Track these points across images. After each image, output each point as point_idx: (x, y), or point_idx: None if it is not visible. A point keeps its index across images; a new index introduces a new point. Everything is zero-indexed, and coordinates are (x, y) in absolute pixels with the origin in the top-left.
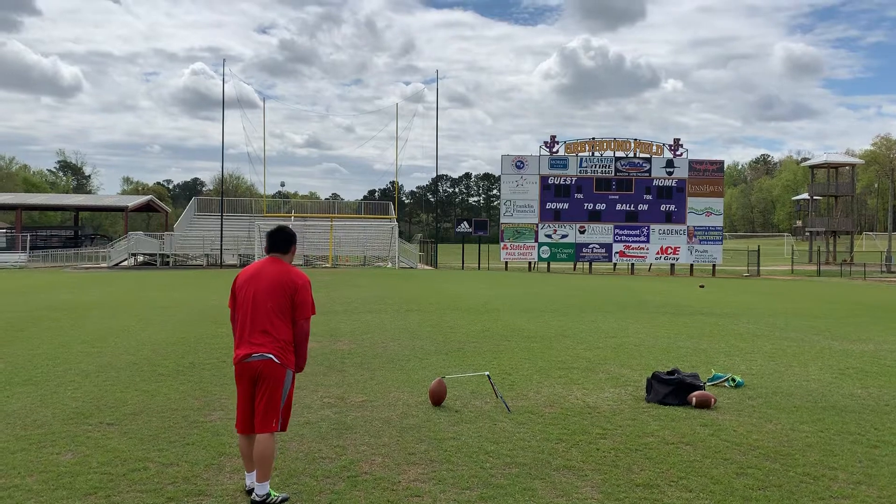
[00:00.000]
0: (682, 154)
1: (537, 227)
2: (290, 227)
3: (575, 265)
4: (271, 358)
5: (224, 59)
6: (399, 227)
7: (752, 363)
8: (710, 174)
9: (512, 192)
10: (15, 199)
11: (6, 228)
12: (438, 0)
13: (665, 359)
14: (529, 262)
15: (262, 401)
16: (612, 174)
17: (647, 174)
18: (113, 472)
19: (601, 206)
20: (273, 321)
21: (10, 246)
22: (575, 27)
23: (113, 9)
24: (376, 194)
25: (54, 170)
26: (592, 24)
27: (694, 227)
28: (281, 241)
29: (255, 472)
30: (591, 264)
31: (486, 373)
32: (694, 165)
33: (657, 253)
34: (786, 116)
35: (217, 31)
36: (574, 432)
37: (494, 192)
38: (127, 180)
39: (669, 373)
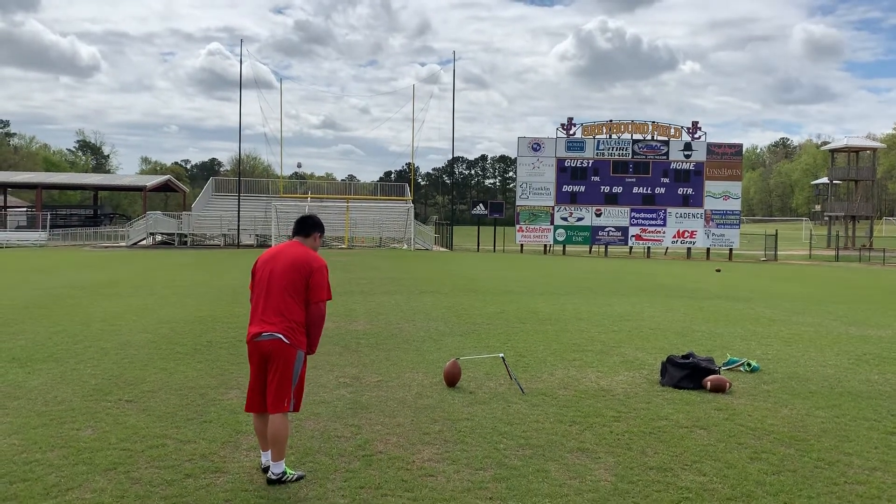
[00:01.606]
0: (700, 137)
1: (553, 209)
2: (315, 215)
3: (591, 248)
4: (280, 338)
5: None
6: (415, 208)
7: (768, 348)
8: (728, 157)
9: (528, 174)
10: (35, 178)
11: (27, 207)
12: None
13: (680, 342)
14: (545, 245)
15: (274, 381)
16: (630, 157)
17: (665, 157)
18: (132, 448)
19: (618, 189)
20: (286, 301)
21: (31, 224)
22: (591, 8)
23: None
24: (392, 176)
25: (74, 149)
26: (609, 5)
27: (711, 210)
28: (305, 226)
29: (269, 450)
30: (606, 247)
31: (501, 354)
32: (712, 149)
33: (674, 236)
34: (805, 99)
35: (232, 12)
36: (588, 415)
37: (510, 174)
38: (145, 160)
39: (684, 356)
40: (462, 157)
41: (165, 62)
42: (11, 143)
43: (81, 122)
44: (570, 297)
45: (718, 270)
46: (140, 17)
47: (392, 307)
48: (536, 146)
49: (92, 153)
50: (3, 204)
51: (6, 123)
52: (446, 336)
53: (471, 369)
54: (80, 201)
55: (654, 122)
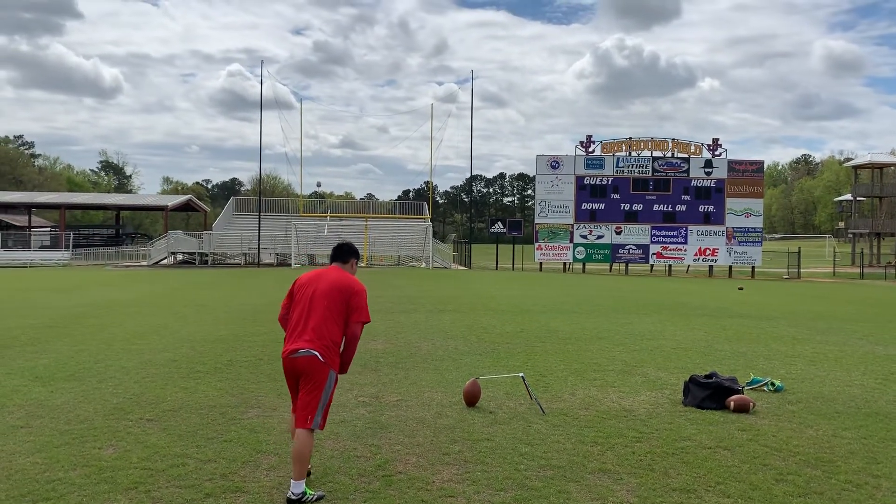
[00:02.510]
0: (720, 154)
1: (572, 227)
2: (351, 242)
3: (611, 266)
4: (316, 355)
5: (262, 61)
6: (433, 227)
7: (793, 367)
8: (749, 174)
9: (547, 192)
10: (59, 198)
11: (50, 227)
12: (470, 1)
13: (703, 362)
14: (564, 263)
15: (304, 397)
16: (650, 174)
17: (686, 174)
18: (153, 467)
19: (638, 207)
20: (326, 321)
21: (54, 244)
22: (609, 26)
23: (150, 11)
24: (410, 194)
25: (97, 170)
26: (626, 22)
27: (733, 228)
28: (342, 252)
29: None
30: (627, 265)
31: (521, 374)
32: (733, 166)
33: (695, 254)
34: (827, 115)
35: (252, 33)
36: (609, 435)
37: (529, 192)
38: (167, 180)
39: (707, 376)
40: (480, 175)
41: (186, 83)
42: (36, 163)
43: (104, 143)
44: (591, 315)
45: (741, 288)
46: (161, 39)
47: (411, 326)
48: (555, 164)
49: (114, 173)
50: (27, 224)
51: (31, 145)
52: (465, 355)
53: (491, 389)
54: (102, 221)
55: (674, 139)
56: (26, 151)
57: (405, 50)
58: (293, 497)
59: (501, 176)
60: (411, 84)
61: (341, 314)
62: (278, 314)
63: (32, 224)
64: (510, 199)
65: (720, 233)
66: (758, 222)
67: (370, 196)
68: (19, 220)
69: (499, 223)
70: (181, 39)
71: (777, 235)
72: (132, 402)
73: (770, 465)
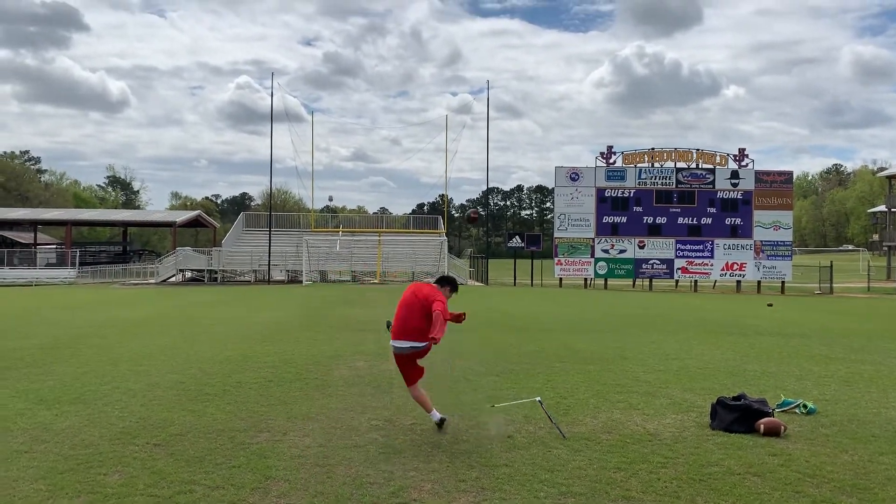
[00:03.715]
0: (747, 165)
1: (593, 241)
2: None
3: (634, 282)
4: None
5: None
6: (448, 241)
7: (826, 388)
8: (777, 186)
9: (566, 205)
10: (65, 214)
11: (56, 244)
12: (484, 8)
13: (731, 382)
14: (585, 279)
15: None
16: (674, 186)
17: (711, 186)
18: (160, 494)
19: (662, 220)
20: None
21: (60, 262)
22: (628, 33)
23: (157, 23)
24: (425, 208)
25: (104, 185)
26: (646, 29)
27: (761, 241)
28: (442, 280)
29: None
30: (651, 281)
31: (538, 398)
32: (760, 176)
33: (722, 269)
34: (857, 123)
35: (261, 44)
36: (633, 461)
37: (548, 204)
38: (175, 195)
39: (735, 398)
40: (497, 188)
41: (194, 96)
42: (42, 179)
43: (111, 158)
44: (613, 333)
45: (770, 305)
46: (168, 52)
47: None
48: (575, 176)
49: (122, 189)
50: (33, 241)
51: (37, 160)
52: (482, 376)
53: (508, 413)
54: (109, 238)
55: (698, 149)
56: (32, 167)
57: (418, 60)
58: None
59: (519, 188)
60: (424, 95)
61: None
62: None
63: (38, 241)
64: (528, 212)
65: (748, 246)
66: (787, 235)
67: (383, 210)
68: (25, 237)
69: (517, 237)
70: (189, 52)
71: (808, 249)
72: (138, 425)
73: (803, 493)
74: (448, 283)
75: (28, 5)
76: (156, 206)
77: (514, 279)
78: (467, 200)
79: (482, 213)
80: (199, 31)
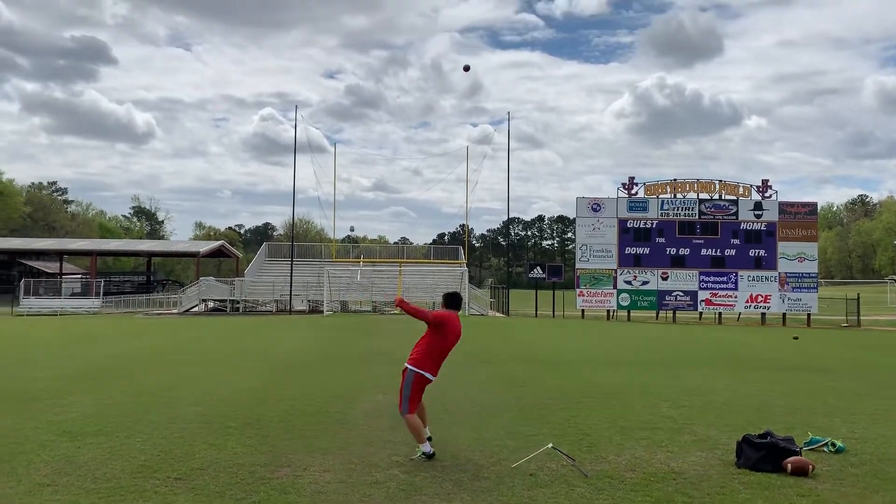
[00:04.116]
0: (770, 196)
1: (616, 272)
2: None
3: (657, 314)
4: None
5: (296, 105)
6: (469, 271)
7: (855, 426)
8: (801, 217)
9: (588, 235)
10: (90, 245)
11: (82, 274)
12: (505, 41)
13: (757, 419)
14: (608, 311)
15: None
16: (696, 217)
17: (734, 217)
18: None
19: (685, 251)
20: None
21: (85, 291)
22: (648, 65)
23: (183, 56)
24: (445, 238)
25: (129, 215)
26: (667, 60)
27: (786, 273)
28: (460, 302)
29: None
30: (674, 313)
31: (549, 445)
32: (784, 208)
33: (746, 301)
34: (882, 154)
35: (284, 78)
36: (657, 500)
37: (569, 235)
38: (199, 225)
39: (762, 435)
40: (517, 218)
41: (218, 128)
42: (69, 210)
43: (136, 188)
44: (637, 367)
45: (796, 338)
46: (194, 84)
47: (445, 378)
48: (596, 206)
49: (146, 219)
50: (59, 271)
51: (64, 191)
52: (503, 411)
53: (530, 450)
54: (133, 268)
55: (721, 180)
56: (59, 197)
57: (438, 91)
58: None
59: (540, 218)
60: (445, 126)
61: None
62: (426, 317)
63: (63, 271)
64: (549, 242)
65: (772, 278)
66: (812, 267)
67: (404, 240)
68: (51, 266)
69: (538, 268)
70: (213, 84)
71: (834, 280)
72: (160, 459)
73: None
74: (444, 297)
75: (58, 39)
76: (180, 236)
77: (536, 310)
78: (488, 231)
79: (468, 67)
80: (223, 64)
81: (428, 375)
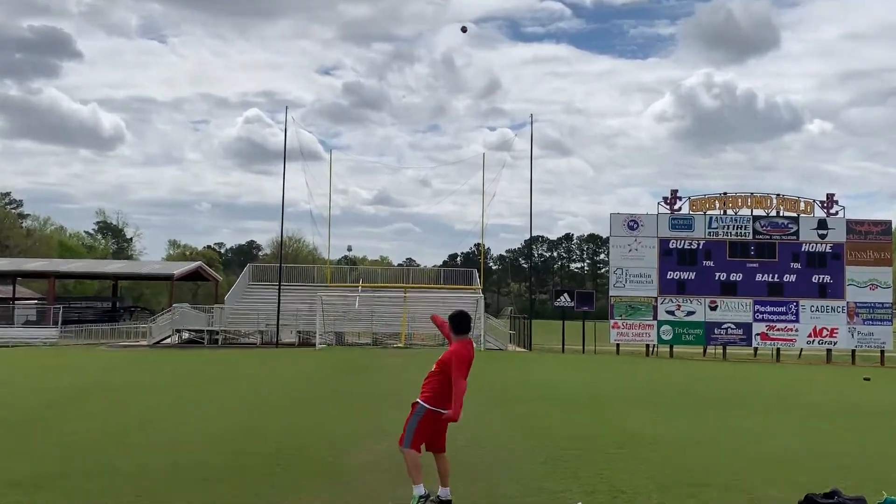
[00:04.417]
0: (837, 212)
1: (656, 301)
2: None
3: (705, 349)
4: None
5: (286, 106)
6: (485, 298)
7: None
8: (873, 237)
9: (623, 257)
10: (48, 266)
11: (37, 299)
12: (526, 33)
13: (822, 475)
14: (647, 345)
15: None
16: (750, 237)
17: (794, 237)
18: None
19: (736, 277)
20: None
21: (41, 319)
22: (693, 60)
23: (157, 50)
24: (458, 259)
25: (93, 231)
26: (715, 55)
27: (855, 302)
28: (470, 323)
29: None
30: (724, 348)
31: (579, 503)
32: (853, 226)
33: (809, 335)
34: None
35: (273, 74)
36: None
37: (601, 256)
38: (173, 244)
39: (827, 495)
40: (542, 237)
41: (197, 131)
42: (24, 224)
43: (101, 201)
44: (681, 412)
45: (867, 379)
46: (169, 81)
47: (462, 424)
48: (633, 224)
49: (113, 236)
50: (11, 296)
51: (19, 203)
52: (523, 462)
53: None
54: (97, 292)
55: (778, 194)
56: (13, 211)
57: (450, 91)
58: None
59: (567, 237)
60: (458, 130)
61: None
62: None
63: (17, 295)
64: (578, 265)
65: (839, 309)
66: (886, 296)
67: (410, 262)
68: (2, 290)
69: (565, 295)
70: (191, 81)
71: None
72: None
73: None
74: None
75: (14, 30)
76: (151, 255)
77: (563, 344)
78: (507, 251)
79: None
80: (203, 58)
81: (442, 411)
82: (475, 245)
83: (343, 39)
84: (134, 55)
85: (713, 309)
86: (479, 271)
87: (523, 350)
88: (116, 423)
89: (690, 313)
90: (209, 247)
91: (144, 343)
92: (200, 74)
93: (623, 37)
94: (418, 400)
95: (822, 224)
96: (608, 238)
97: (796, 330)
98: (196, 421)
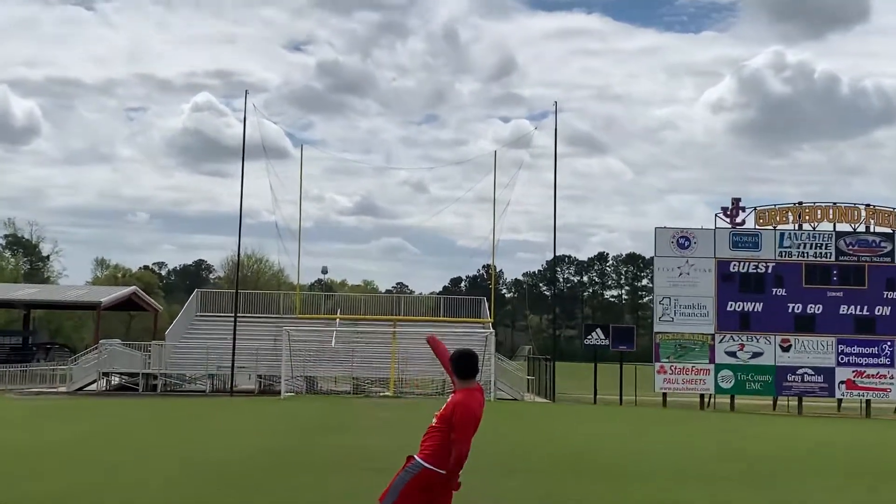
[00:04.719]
0: None
1: (713, 339)
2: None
3: (775, 401)
4: None
5: (246, 91)
6: (497, 335)
7: None
8: None
9: (672, 283)
10: None
11: None
12: (549, 0)
13: None
14: (702, 395)
15: None
16: (832, 258)
17: (889, 259)
18: None
19: (815, 309)
20: None
21: None
22: (758, 34)
23: (83, 18)
24: (462, 285)
25: None
26: (786, 29)
27: None
28: (477, 364)
29: None
30: (800, 400)
31: None
32: None
33: None
34: None
35: (229, 49)
36: None
37: (644, 282)
38: (101, 263)
39: None
40: (568, 257)
41: (132, 121)
42: None
43: (10, 208)
44: (751, 484)
45: None
46: (97, 59)
47: (460, 497)
48: (684, 241)
49: (25, 253)
50: None
51: None
52: None
53: None
54: (4, 324)
55: (868, 204)
56: None
57: (453, 71)
58: None
59: (601, 257)
60: (462, 121)
61: None
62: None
63: None
64: (614, 292)
65: None
66: None
67: (401, 288)
68: None
69: (598, 331)
70: (127, 58)
71: None
72: None
73: None
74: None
75: None
76: (73, 278)
77: (595, 393)
78: (525, 275)
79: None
80: (141, 29)
81: (442, 472)
82: (484, 267)
83: (317, 6)
84: (54, 26)
85: (785, 350)
86: (488, 300)
87: (544, 401)
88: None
89: (757, 355)
90: (147, 267)
91: (63, 389)
92: (137, 50)
93: (671, 5)
94: (415, 455)
95: None
96: (652, 259)
97: (891, 377)
98: (125, 496)
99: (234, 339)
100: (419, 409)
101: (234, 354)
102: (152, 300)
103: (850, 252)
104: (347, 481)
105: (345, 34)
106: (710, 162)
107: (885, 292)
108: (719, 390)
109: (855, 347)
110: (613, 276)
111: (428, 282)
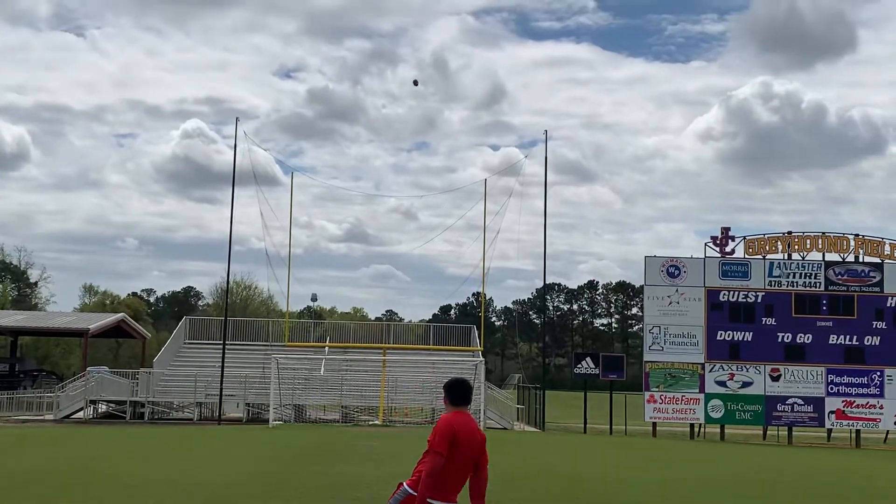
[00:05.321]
0: None
1: (703, 368)
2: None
3: (765, 431)
4: None
5: (237, 118)
6: (487, 363)
7: None
8: None
9: (662, 313)
10: None
11: None
12: (539, 29)
13: None
14: (692, 425)
15: None
16: (822, 288)
17: (878, 289)
18: None
19: (805, 338)
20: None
21: None
22: (746, 65)
23: (73, 45)
24: (452, 313)
25: None
26: (773, 59)
27: None
28: (470, 393)
29: None
30: (790, 430)
31: None
32: None
33: None
34: None
35: (219, 76)
36: None
37: (634, 310)
38: (89, 290)
39: None
40: (558, 285)
41: (122, 147)
42: None
43: None
44: None
45: None
46: (87, 85)
47: None
48: (674, 270)
49: (13, 279)
50: None
51: None
52: None
53: None
54: None
55: (857, 234)
56: None
57: (443, 99)
58: None
59: (590, 286)
60: (451, 149)
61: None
62: (437, 461)
63: None
64: (604, 321)
65: None
66: None
67: (390, 315)
68: None
69: (588, 359)
70: (116, 85)
71: None
72: None
73: None
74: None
75: None
76: (61, 305)
77: (585, 423)
78: (514, 303)
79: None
80: (131, 56)
81: (434, 503)
82: (474, 295)
83: (308, 34)
84: (44, 52)
85: (775, 379)
86: (478, 328)
87: (534, 430)
88: None
89: (746, 384)
90: (135, 294)
91: (50, 417)
92: (127, 76)
93: (660, 35)
94: (403, 483)
95: None
96: (642, 287)
97: (881, 406)
98: None
99: (223, 366)
100: (406, 438)
101: (222, 382)
102: (140, 327)
103: (840, 282)
104: None
105: (335, 62)
106: (698, 191)
107: (874, 322)
108: (709, 420)
109: (844, 377)
110: (603, 304)
111: (418, 309)
